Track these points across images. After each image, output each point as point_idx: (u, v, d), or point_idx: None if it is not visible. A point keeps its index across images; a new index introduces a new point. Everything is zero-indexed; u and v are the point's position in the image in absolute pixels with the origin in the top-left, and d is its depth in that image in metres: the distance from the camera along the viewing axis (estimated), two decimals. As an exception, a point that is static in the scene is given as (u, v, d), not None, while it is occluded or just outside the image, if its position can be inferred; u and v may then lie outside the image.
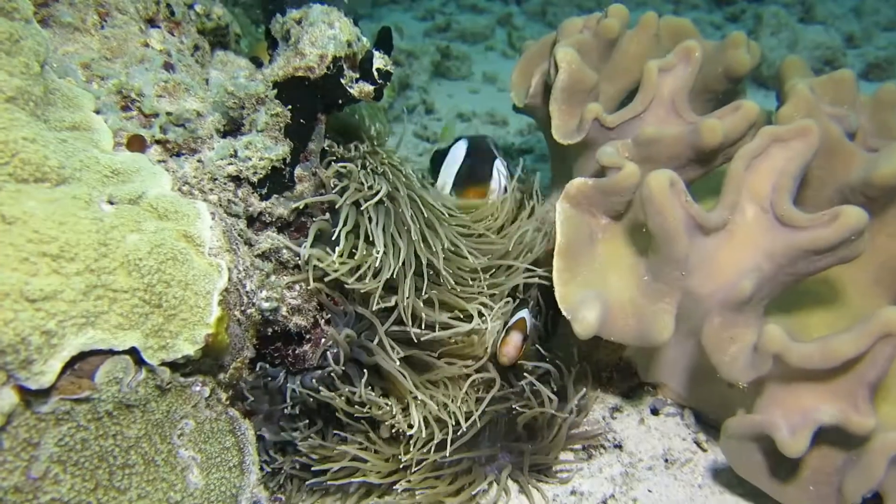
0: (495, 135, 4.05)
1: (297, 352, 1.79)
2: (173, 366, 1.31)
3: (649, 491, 1.78)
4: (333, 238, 1.69)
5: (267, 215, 1.73)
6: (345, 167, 1.79)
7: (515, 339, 1.72)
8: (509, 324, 1.79)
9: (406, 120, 3.65)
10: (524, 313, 1.80)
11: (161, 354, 1.27)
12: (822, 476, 1.53)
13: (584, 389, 1.88)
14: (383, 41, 2.05)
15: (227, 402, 1.47)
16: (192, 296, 1.32)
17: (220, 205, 1.62)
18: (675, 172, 1.53)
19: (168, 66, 1.76)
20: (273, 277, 1.69)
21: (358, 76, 1.82)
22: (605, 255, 1.74)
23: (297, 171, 1.79)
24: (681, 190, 1.53)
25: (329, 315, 1.81)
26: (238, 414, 1.47)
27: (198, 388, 1.38)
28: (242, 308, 1.48)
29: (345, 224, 1.70)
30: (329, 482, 1.71)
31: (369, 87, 1.82)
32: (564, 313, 1.60)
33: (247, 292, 1.49)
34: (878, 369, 1.38)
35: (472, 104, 4.61)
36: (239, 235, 1.60)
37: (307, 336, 1.80)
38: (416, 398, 1.69)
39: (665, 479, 1.81)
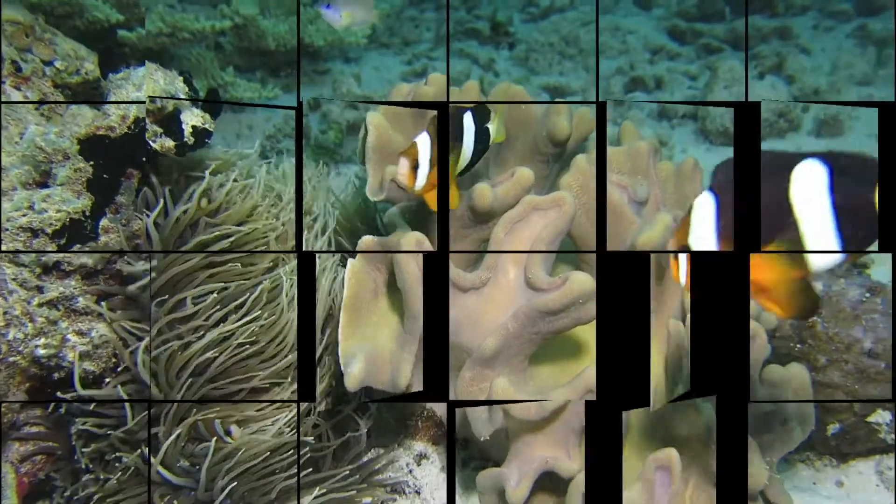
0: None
1: (94, 395, 1.87)
2: None
3: (424, 540, 1.85)
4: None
5: (66, 264, 1.82)
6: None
7: None
8: None
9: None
10: None
11: None
12: (558, 526, 1.63)
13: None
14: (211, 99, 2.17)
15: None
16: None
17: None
18: (423, 235, 1.64)
19: (-27, 122, 1.86)
20: (64, 324, 1.78)
21: (162, 131, 1.94)
22: (385, 307, 1.84)
23: (104, 222, 1.88)
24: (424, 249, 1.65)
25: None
26: (-6, 457, 1.54)
27: (-58, 432, 1.46)
28: (1, 356, 1.56)
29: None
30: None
31: (170, 143, 1.93)
32: (342, 368, 1.69)
33: (9, 340, 1.57)
34: (580, 417, 1.50)
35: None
36: (20, 285, 1.69)
37: (107, 380, 1.88)
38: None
39: (446, 529, 1.89)
